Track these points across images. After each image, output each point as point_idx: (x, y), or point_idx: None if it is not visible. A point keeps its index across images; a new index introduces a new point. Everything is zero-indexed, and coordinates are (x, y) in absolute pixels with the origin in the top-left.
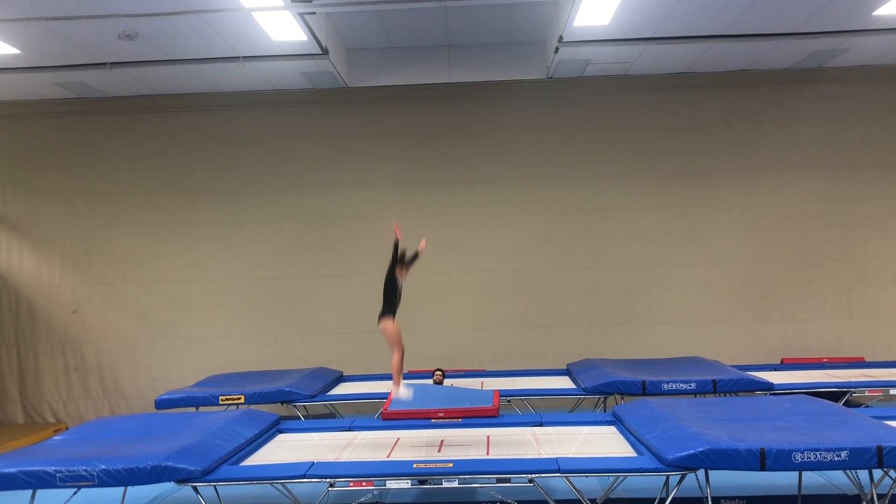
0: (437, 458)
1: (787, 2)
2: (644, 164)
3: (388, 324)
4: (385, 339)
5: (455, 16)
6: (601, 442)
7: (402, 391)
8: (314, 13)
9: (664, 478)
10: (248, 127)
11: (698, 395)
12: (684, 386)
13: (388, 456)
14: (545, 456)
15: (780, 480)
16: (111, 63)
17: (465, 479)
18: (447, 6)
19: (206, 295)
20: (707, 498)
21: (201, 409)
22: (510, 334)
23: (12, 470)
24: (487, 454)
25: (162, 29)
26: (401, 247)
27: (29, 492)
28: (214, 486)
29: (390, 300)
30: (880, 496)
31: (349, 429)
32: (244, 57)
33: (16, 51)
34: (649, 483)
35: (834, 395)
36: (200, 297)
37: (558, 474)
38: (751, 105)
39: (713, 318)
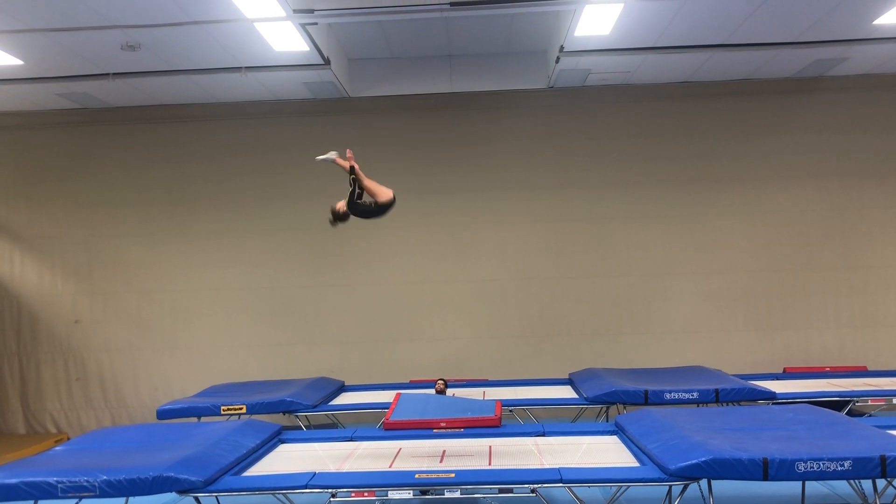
0: (440, 469)
1: (788, 11)
2: (645, 173)
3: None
4: (380, 198)
5: (456, 26)
6: (604, 452)
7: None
8: (316, 24)
9: (667, 488)
10: (249, 137)
11: (701, 405)
12: (687, 395)
13: (390, 466)
14: (547, 466)
15: (783, 490)
16: (114, 74)
17: (467, 489)
18: (449, 16)
19: (207, 304)
20: None
21: (203, 419)
22: (512, 343)
23: (13, 481)
24: (489, 464)
25: (164, 40)
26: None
27: (30, 503)
28: (216, 496)
29: (365, 210)
30: None
31: (351, 439)
32: (246, 67)
33: (18, 61)
34: (652, 493)
35: (837, 404)
36: (202, 306)
37: (561, 484)
38: (752, 114)
39: (715, 327)
